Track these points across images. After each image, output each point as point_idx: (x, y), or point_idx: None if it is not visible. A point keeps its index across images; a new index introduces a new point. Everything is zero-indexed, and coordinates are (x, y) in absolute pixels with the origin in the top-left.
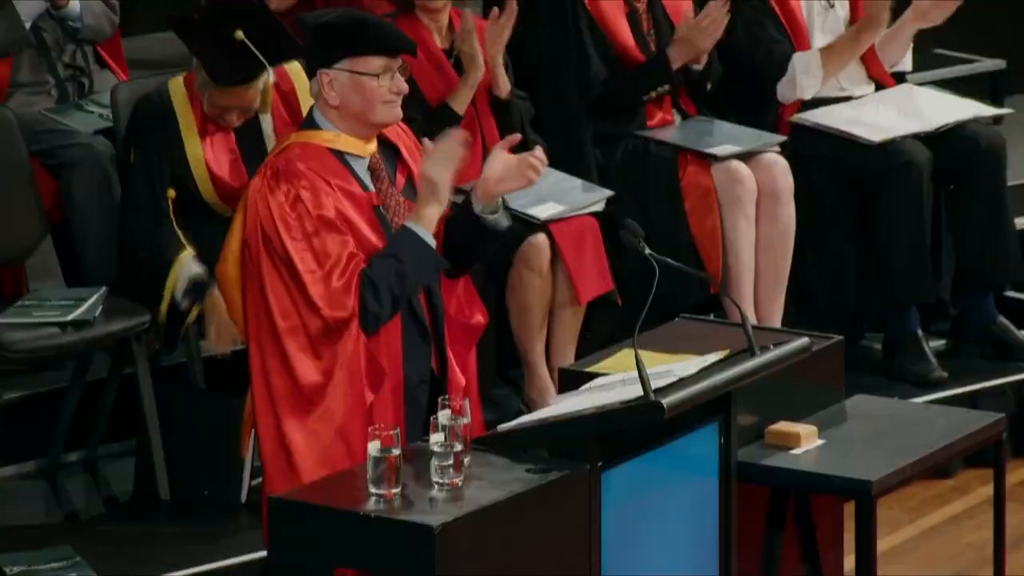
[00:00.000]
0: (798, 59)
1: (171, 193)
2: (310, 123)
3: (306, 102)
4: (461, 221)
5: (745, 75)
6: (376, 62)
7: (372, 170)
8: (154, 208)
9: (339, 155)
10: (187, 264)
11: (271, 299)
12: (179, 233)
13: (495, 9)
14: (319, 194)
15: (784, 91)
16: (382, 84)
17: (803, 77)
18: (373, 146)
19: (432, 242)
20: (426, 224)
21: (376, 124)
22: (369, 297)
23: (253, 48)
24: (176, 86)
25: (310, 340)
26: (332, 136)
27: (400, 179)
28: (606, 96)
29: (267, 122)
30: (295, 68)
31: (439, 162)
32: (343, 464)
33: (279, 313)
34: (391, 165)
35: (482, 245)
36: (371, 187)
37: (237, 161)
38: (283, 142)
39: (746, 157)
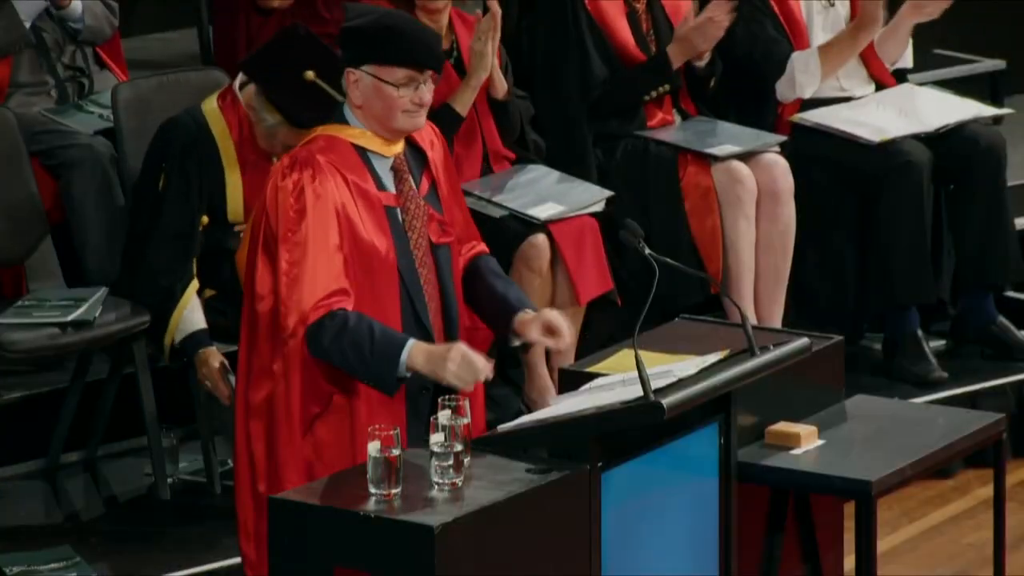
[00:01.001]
0: (797, 58)
1: (204, 220)
2: (339, 117)
3: None
4: (488, 307)
5: (744, 74)
6: (400, 73)
7: (395, 170)
8: (187, 241)
9: (362, 152)
10: (187, 316)
11: (256, 281)
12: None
13: (478, 12)
14: (327, 188)
15: (783, 90)
16: (403, 95)
17: (802, 76)
18: (399, 147)
19: (400, 375)
20: (411, 362)
21: (395, 131)
22: (328, 333)
23: (326, 87)
24: (211, 111)
25: (271, 333)
26: (358, 132)
27: (424, 184)
28: (606, 96)
29: None
30: None
31: (466, 370)
32: (275, 475)
33: (257, 296)
34: (417, 168)
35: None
36: (390, 187)
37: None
38: (311, 134)
39: (746, 157)
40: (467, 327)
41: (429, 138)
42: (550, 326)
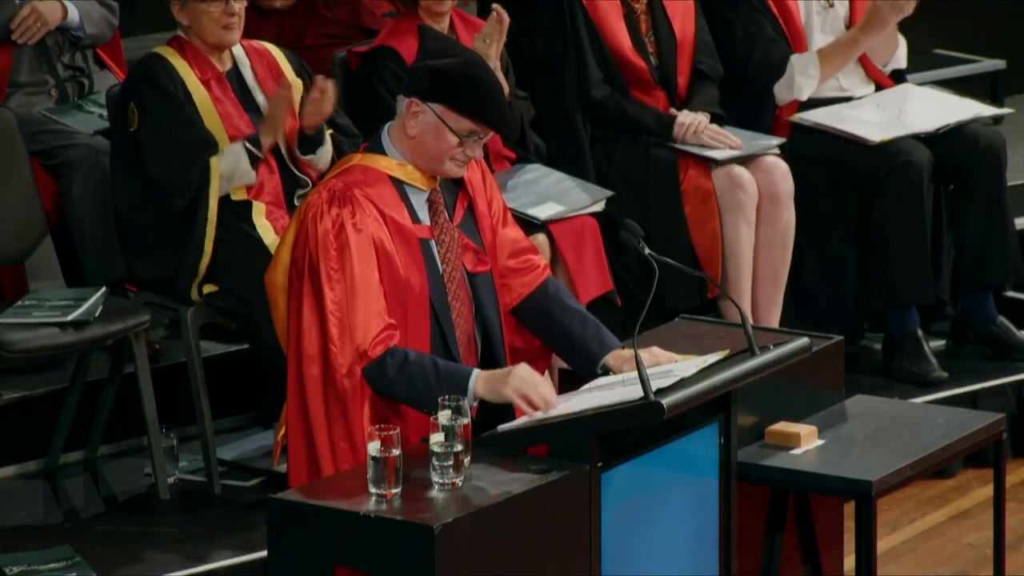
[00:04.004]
0: (796, 60)
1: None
2: (376, 146)
3: (284, 65)
4: (564, 348)
5: (742, 75)
6: (467, 124)
7: (431, 203)
8: (189, 139)
9: (398, 184)
10: (225, 154)
11: (303, 322)
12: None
13: (492, 15)
14: (366, 223)
15: (781, 92)
16: (461, 145)
17: (801, 77)
18: (435, 180)
19: (468, 403)
20: (476, 390)
21: (437, 172)
22: (391, 368)
23: None
24: (166, 50)
25: (322, 375)
26: (396, 164)
27: (459, 211)
28: (606, 112)
29: (248, 73)
30: (270, 45)
31: (527, 387)
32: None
33: (306, 339)
34: (451, 196)
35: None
36: (425, 220)
37: (237, 105)
38: (346, 162)
39: (746, 160)
40: (519, 348)
41: None
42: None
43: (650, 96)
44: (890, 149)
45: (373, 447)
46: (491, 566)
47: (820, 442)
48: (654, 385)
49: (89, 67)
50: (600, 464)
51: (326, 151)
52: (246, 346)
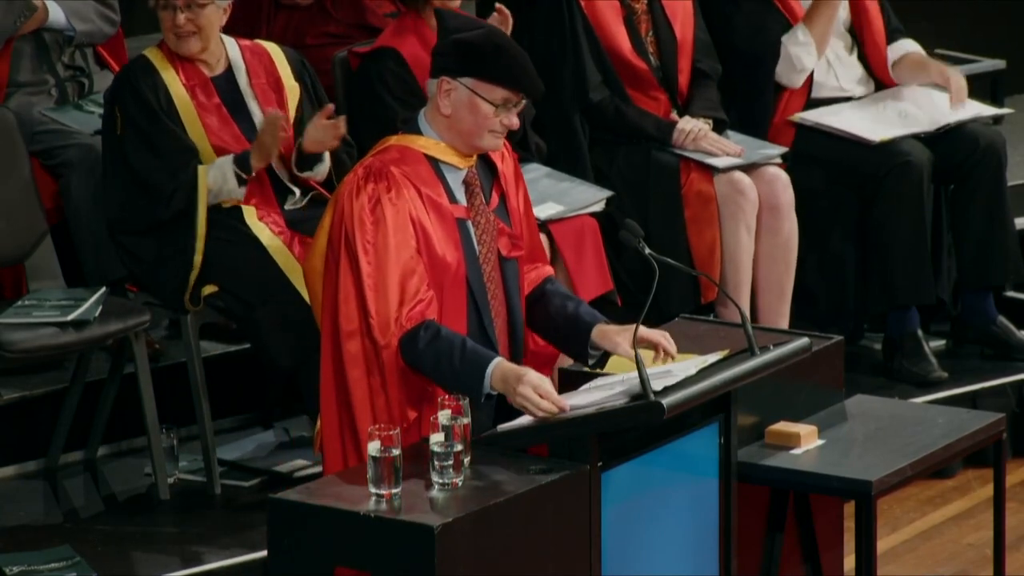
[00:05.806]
0: (787, 37)
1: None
2: (413, 127)
3: (282, 68)
4: (561, 326)
5: (746, 67)
6: (499, 92)
7: (467, 184)
8: (170, 148)
9: (435, 163)
10: (212, 168)
11: (340, 299)
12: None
13: (494, 14)
14: (402, 200)
15: (786, 74)
16: (497, 114)
17: (795, 47)
18: (471, 160)
19: (487, 391)
20: (492, 380)
21: (476, 148)
22: (422, 341)
23: None
24: (153, 53)
25: (364, 349)
26: (432, 144)
27: (495, 197)
28: (605, 114)
29: (243, 78)
30: (271, 45)
31: (531, 399)
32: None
33: (344, 315)
34: (488, 181)
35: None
36: (461, 200)
37: (223, 112)
38: (384, 143)
39: (747, 168)
40: (531, 351)
41: (500, 151)
42: (647, 340)
43: (651, 97)
44: (890, 149)
45: (373, 447)
46: (491, 566)
47: (820, 442)
48: (654, 385)
49: (89, 67)
50: (600, 464)
51: (323, 166)
52: (246, 346)
